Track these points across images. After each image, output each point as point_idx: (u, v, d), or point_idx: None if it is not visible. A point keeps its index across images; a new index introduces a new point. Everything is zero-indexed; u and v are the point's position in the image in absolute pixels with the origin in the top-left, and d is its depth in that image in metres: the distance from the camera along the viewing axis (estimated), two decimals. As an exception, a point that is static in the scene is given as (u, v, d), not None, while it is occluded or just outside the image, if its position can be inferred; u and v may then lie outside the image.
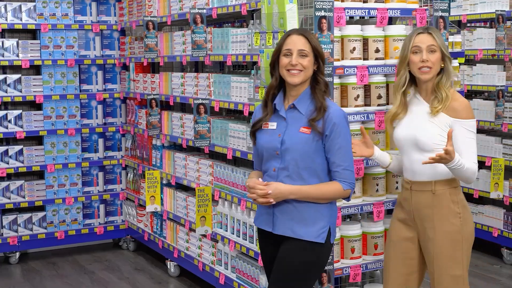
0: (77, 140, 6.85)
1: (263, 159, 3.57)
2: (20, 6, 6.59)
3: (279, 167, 3.46)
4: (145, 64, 6.54)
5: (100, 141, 7.00)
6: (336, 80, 4.25)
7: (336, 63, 4.19)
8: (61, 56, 6.73)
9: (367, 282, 4.66)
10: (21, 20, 6.60)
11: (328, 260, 3.70)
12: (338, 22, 4.17)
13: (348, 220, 4.63)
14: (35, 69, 6.80)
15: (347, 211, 4.30)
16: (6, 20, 6.53)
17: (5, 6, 6.53)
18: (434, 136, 3.57)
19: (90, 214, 6.97)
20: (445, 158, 3.39)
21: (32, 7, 6.64)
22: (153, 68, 6.92)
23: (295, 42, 3.43)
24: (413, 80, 3.72)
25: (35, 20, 6.64)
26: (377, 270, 4.58)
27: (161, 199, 6.28)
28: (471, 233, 3.67)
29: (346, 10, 4.22)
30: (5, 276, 6.31)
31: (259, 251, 4.62)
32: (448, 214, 3.60)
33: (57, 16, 6.74)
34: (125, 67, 7.08)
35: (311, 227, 3.44)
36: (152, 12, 6.30)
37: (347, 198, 3.56)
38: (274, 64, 3.51)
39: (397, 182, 4.43)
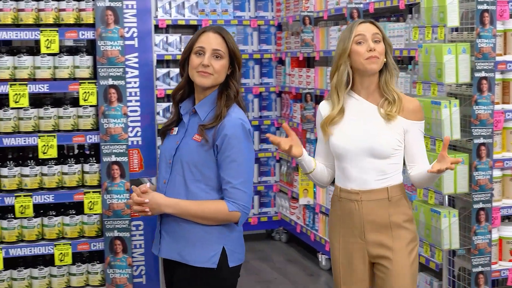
0: (234, 133, 7.05)
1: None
2: (183, 2, 6.88)
3: (169, 178, 3.04)
4: (300, 58, 6.62)
5: (256, 133, 7.16)
6: (498, 76, 4.11)
7: (498, 58, 4.06)
8: (221, 51, 6.95)
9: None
10: (184, 16, 6.89)
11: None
12: (501, 16, 4.03)
13: (507, 221, 4.47)
14: (196, 63, 7.07)
15: (507, 212, 4.15)
16: (170, 16, 6.83)
17: (170, 3, 6.84)
18: (392, 142, 3.21)
19: (245, 205, 7.15)
20: (450, 167, 3.08)
21: (194, 4, 6.91)
22: (308, 62, 6.98)
23: (210, 41, 3.00)
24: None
25: (197, 16, 6.90)
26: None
27: (314, 192, 6.33)
28: None
29: (510, 3, 4.07)
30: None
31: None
32: (405, 220, 3.26)
33: (218, 12, 6.96)
34: (281, 62, 7.19)
35: (200, 250, 2.97)
36: (308, 7, 6.36)
37: (236, 223, 3.01)
38: (184, 63, 3.07)
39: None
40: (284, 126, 3.15)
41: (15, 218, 3.61)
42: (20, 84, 3.55)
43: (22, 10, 3.58)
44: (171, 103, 3.22)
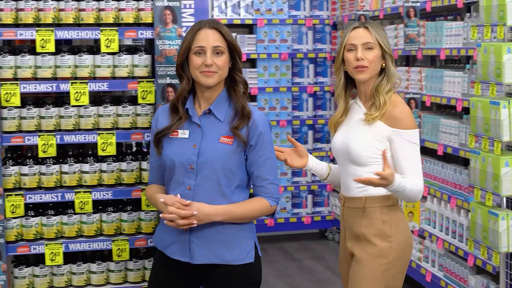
0: (288, 132, 7.06)
1: (167, 173, 3.04)
2: (238, 2, 6.92)
3: (195, 184, 2.94)
4: (356, 58, 6.58)
5: (310, 133, 7.15)
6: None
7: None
8: (276, 50, 6.97)
9: None
10: (239, 15, 6.92)
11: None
12: None
13: None
14: (251, 62, 7.10)
15: None
16: (226, 15, 6.88)
17: (226, 2, 6.88)
18: (366, 148, 3.10)
19: (298, 204, 7.15)
20: (380, 183, 2.94)
21: (249, 3, 6.94)
22: (364, 61, 6.94)
23: (209, 38, 2.92)
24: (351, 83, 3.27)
25: (252, 15, 6.93)
26: None
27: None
28: (403, 261, 3.18)
29: None
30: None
31: (469, 251, 4.51)
32: (376, 235, 3.11)
33: (273, 11, 6.98)
34: (336, 61, 7.16)
35: (237, 249, 2.99)
36: (364, 6, 6.32)
37: (272, 215, 3.11)
38: (183, 64, 2.97)
39: None
40: (289, 139, 3.27)
41: (75, 213, 3.69)
42: (80, 83, 3.62)
43: (83, 10, 3.65)
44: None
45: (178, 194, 2.93)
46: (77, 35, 3.64)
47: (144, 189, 3.70)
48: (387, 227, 3.13)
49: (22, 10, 3.59)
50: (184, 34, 3.68)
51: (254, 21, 6.92)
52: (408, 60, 6.39)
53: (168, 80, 3.68)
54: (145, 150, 3.91)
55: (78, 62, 3.66)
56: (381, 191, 3.10)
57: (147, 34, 3.72)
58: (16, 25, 3.61)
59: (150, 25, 3.71)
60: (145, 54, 3.73)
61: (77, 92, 3.61)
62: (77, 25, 3.68)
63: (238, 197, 3.00)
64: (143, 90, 3.68)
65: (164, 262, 3.06)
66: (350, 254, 3.23)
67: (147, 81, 3.69)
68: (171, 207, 2.86)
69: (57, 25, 3.64)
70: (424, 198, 5.34)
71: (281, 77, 7.03)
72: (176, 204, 2.85)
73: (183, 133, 2.98)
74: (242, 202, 2.99)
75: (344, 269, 3.32)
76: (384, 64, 3.17)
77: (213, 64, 2.90)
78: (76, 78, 3.65)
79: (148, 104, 3.72)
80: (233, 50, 2.98)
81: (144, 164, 3.74)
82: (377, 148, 3.09)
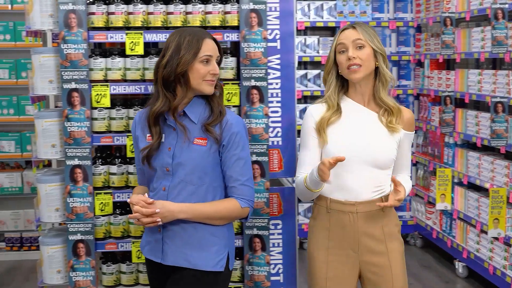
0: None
1: (147, 176, 3.10)
2: (322, 4, 6.91)
3: (170, 185, 2.97)
4: (440, 60, 6.48)
5: (392, 136, 7.07)
6: None
7: None
8: (358, 53, 6.92)
9: None
10: (322, 18, 6.92)
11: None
12: None
13: None
14: (333, 65, 7.08)
15: None
16: (309, 18, 6.88)
17: (309, 5, 6.89)
18: (391, 151, 3.16)
19: (379, 208, 7.08)
20: (399, 204, 3.07)
21: (332, 6, 6.92)
22: (448, 64, 6.83)
23: (213, 48, 3.02)
24: (342, 85, 3.24)
25: (335, 18, 6.91)
26: None
27: (452, 197, 6.18)
28: None
29: None
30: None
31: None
32: (397, 231, 3.22)
33: (356, 13, 6.94)
34: (420, 64, 7.07)
35: (207, 254, 2.97)
36: (450, 8, 6.22)
37: (245, 219, 3.08)
38: (172, 73, 2.96)
39: None
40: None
41: (121, 214, 3.78)
42: (168, 84, 3.69)
43: (171, 13, 3.72)
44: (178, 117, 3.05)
45: (146, 194, 2.95)
46: (165, 38, 3.71)
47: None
48: (399, 221, 3.28)
49: (112, 13, 3.69)
50: (269, 37, 3.72)
51: (337, 23, 6.90)
52: (494, 63, 6.25)
53: (253, 83, 3.71)
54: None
55: (166, 65, 3.73)
56: (390, 189, 3.17)
57: (233, 37, 3.76)
58: (107, 28, 3.71)
59: (236, 28, 3.75)
60: (231, 56, 3.77)
61: (164, 93, 3.68)
62: (165, 28, 3.75)
63: (214, 198, 3.01)
64: (228, 92, 3.72)
65: (147, 266, 3.15)
66: (366, 261, 3.15)
67: (232, 83, 3.73)
68: (136, 206, 2.88)
69: (146, 28, 3.72)
70: (510, 204, 5.20)
71: (363, 80, 6.97)
72: (140, 203, 2.87)
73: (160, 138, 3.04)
74: (210, 202, 2.99)
75: (341, 278, 3.17)
76: (377, 64, 3.15)
77: (216, 72, 3.02)
78: (163, 80, 3.72)
79: (233, 106, 3.76)
80: (221, 58, 3.11)
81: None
82: (396, 150, 3.17)
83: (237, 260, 3.80)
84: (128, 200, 2.94)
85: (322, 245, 3.21)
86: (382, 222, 3.16)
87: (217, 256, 2.99)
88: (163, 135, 3.02)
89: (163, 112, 2.99)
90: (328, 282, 3.17)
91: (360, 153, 3.10)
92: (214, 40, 3.05)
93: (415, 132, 7.02)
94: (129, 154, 3.67)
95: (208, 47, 2.99)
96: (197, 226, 2.98)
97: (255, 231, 3.75)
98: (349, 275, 3.18)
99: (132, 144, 3.64)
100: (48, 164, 4.97)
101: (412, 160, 7.06)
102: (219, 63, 3.09)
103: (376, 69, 3.17)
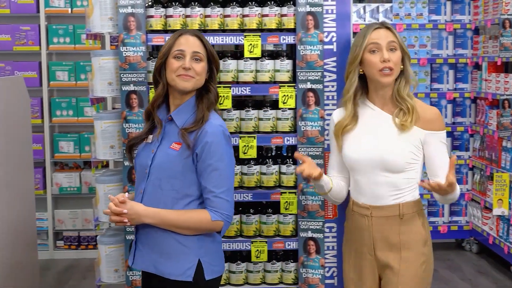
0: (425, 138, 6.93)
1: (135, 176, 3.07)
2: (377, 7, 6.86)
3: (145, 189, 2.93)
4: (498, 63, 6.36)
5: (448, 140, 6.98)
6: None
7: None
8: (414, 55, 6.85)
9: None
10: (377, 20, 6.87)
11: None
12: None
13: None
14: (388, 68, 7.03)
15: None
16: (364, 20, 6.85)
17: (364, 8, 6.85)
18: (406, 155, 3.02)
19: (435, 213, 7.00)
20: (447, 189, 2.87)
21: (388, 8, 6.87)
22: (506, 67, 6.70)
23: (189, 44, 2.93)
24: (361, 85, 3.15)
25: (391, 20, 6.86)
26: None
27: (509, 203, 6.07)
28: (432, 257, 3.16)
29: None
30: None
31: None
32: (417, 242, 3.06)
33: (412, 16, 6.88)
34: (477, 67, 6.96)
35: (175, 262, 2.88)
36: (509, 10, 6.11)
37: (219, 232, 2.95)
38: (161, 68, 2.96)
39: None
40: (297, 155, 3.09)
41: None
42: (224, 87, 3.72)
43: (228, 16, 3.75)
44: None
45: (126, 193, 2.89)
46: (222, 41, 3.75)
47: (283, 192, 3.75)
48: (426, 230, 3.11)
49: (170, 16, 3.74)
50: (325, 40, 3.72)
51: (393, 26, 6.83)
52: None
53: (309, 85, 3.71)
54: (284, 154, 3.96)
55: (223, 67, 3.76)
56: (416, 196, 3.08)
57: (289, 39, 3.77)
58: (165, 31, 3.77)
59: (292, 31, 3.76)
60: (287, 59, 3.78)
61: (220, 96, 3.71)
62: (222, 30, 3.78)
63: (186, 207, 2.91)
64: (284, 95, 3.74)
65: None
66: (382, 266, 3.11)
67: (288, 86, 3.74)
68: (110, 203, 2.83)
69: (203, 31, 3.76)
70: None
71: (419, 83, 6.91)
72: (114, 200, 2.83)
73: (149, 139, 3.02)
74: (180, 210, 2.89)
75: (361, 281, 3.16)
76: (402, 66, 3.08)
77: (191, 68, 2.91)
78: (220, 83, 3.75)
79: (289, 109, 3.77)
80: (212, 61, 2.99)
81: (284, 168, 3.79)
82: (414, 153, 3.05)
83: (292, 262, 3.81)
84: (109, 196, 2.91)
85: (349, 246, 3.22)
86: (398, 229, 3.08)
87: (184, 265, 2.89)
88: (151, 136, 3.01)
89: (148, 109, 3.02)
90: (352, 284, 3.20)
91: (370, 157, 3.06)
92: (200, 38, 2.98)
93: (472, 136, 6.92)
94: (185, 156, 3.71)
95: (183, 42, 2.93)
96: (165, 233, 2.90)
97: (309, 234, 3.76)
98: (369, 279, 3.15)
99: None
100: (106, 165, 5.05)
101: (468, 165, 6.96)
102: (211, 66, 3.01)
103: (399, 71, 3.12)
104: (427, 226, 3.14)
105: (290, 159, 3.82)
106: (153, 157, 2.94)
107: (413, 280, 3.06)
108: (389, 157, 3.03)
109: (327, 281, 3.82)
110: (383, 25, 3.10)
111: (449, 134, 6.96)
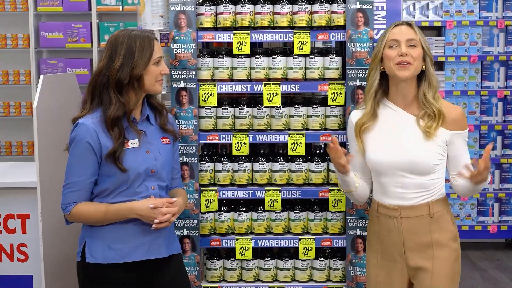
0: (475, 137, 6.84)
1: (112, 185, 2.97)
2: (427, 4, 6.79)
3: (160, 186, 3.09)
4: (552, 61, 6.25)
5: (499, 138, 6.87)
6: None
7: None
8: (464, 53, 6.77)
9: None
10: (427, 17, 6.80)
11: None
12: None
13: None
14: (438, 65, 6.94)
15: None
16: (414, 17, 6.78)
17: (414, 4, 6.79)
18: (433, 157, 3.02)
19: (484, 212, 6.90)
20: (486, 175, 2.92)
21: (438, 5, 6.79)
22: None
23: (160, 47, 3.13)
24: (381, 85, 3.14)
25: (441, 17, 6.78)
26: None
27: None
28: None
29: None
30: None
31: None
32: (449, 239, 3.07)
33: (463, 12, 6.78)
34: (529, 64, 6.84)
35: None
36: None
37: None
38: (139, 76, 3.00)
39: None
40: (334, 140, 3.03)
41: (265, 211, 3.81)
42: (273, 84, 3.73)
43: (278, 13, 3.75)
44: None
45: (152, 196, 3.01)
46: (272, 38, 3.75)
47: (331, 190, 3.74)
48: (455, 226, 3.12)
49: (221, 14, 3.76)
50: (376, 37, 3.70)
51: (443, 23, 6.76)
52: None
53: (358, 83, 3.70)
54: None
55: (272, 64, 3.76)
56: (443, 193, 3.09)
57: (339, 36, 3.75)
58: (215, 28, 3.79)
59: (342, 28, 3.75)
60: (336, 56, 3.77)
61: (270, 93, 3.72)
62: (271, 27, 3.79)
63: (168, 192, 3.20)
64: (333, 92, 3.73)
65: (131, 267, 3.03)
66: (413, 269, 3.08)
67: (337, 83, 3.73)
68: (164, 208, 2.97)
69: (253, 28, 3.77)
70: None
71: (469, 80, 6.82)
72: (165, 204, 2.99)
73: (134, 143, 3.02)
74: (179, 197, 3.16)
75: (390, 284, 3.14)
76: (424, 66, 3.07)
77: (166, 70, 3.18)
78: (269, 80, 3.76)
79: (338, 106, 3.76)
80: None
81: (332, 165, 3.78)
82: (440, 154, 3.05)
83: (339, 260, 3.80)
84: (152, 206, 2.95)
85: (375, 249, 3.20)
86: (430, 228, 3.06)
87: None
88: (136, 140, 3.02)
89: (118, 116, 2.97)
90: (378, 287, 3.17)
91: (397, 160, 3.05)
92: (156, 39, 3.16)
93: (523, 135, 6.81)
94: (234, 153, 3.74)
95: (158, 48, 3.07)
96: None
97: (358, 232, 3.74)
98: (397, 282, 3.13)
99: (237, 143, 3.71)
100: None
101: (519, 164, 6.86)
102: None
103: (421, 73, 3.10)
104: (454, 222, 3.15)
105: (339, 157, 3.80)
106: (155, 156, 3.07)
107: (447, 278, 3.06)
108: (418, 160, 3.03)
109: (375, 280, 3.79)
110: (405, 23, 3.13)
111: (500, 133, 6.86)
